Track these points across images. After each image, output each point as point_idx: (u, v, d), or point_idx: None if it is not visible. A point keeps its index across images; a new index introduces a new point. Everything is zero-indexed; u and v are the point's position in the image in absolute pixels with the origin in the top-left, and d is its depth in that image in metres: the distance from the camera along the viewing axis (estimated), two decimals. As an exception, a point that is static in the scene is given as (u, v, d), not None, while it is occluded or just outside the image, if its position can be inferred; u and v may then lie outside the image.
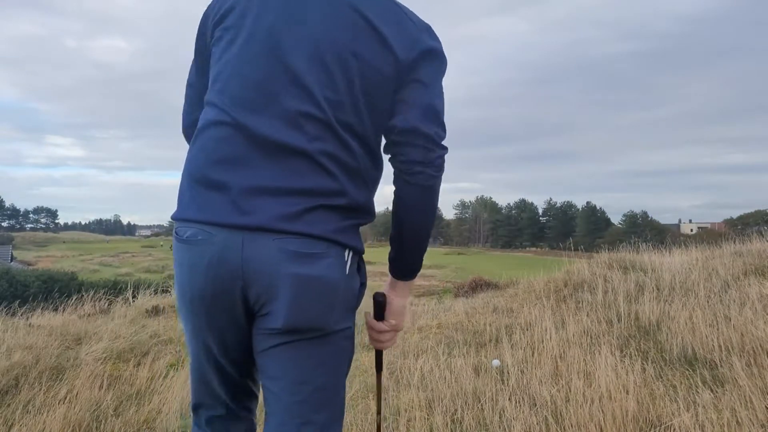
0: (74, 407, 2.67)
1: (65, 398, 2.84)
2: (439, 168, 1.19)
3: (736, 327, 3.43)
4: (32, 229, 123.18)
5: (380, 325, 1.28)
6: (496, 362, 3.43)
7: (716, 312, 3.86)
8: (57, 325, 4.52)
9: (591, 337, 3.74)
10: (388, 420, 2.65)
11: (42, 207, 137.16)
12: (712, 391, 2.67)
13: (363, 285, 1.24)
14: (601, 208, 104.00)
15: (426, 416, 2.66)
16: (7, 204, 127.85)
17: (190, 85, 1.34)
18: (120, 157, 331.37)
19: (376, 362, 1.39)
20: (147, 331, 4.60)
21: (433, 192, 1.19)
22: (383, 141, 1.23)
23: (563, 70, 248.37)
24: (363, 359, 3.84)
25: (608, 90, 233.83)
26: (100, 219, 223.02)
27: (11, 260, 30.23)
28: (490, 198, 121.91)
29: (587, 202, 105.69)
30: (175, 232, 1.17)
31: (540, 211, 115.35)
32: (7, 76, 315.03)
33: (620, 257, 6.32)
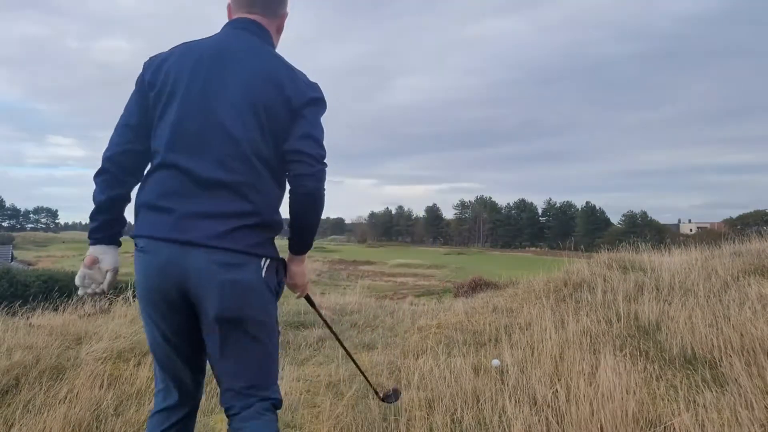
0: (74, 407, 2.67)
1: (65, 398, 2.84)
2: (320, 179, 1.58)
3: (736, 327, 3.43)
4: (33, 229, 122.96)
5: (290, 283, 1.77)
6: (495, 362, 3.43)
7: (716, 312, 3.86)
8: (57, 325, 4.51)
9: (591, 337, 3.74)
10: (389, 420, 2.66)
11: (42, 207, 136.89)
12: (711, 390, 2.68)
13: (280, 283, 1.67)
14: (600, 208, 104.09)
15: (426, 416, 2.67)
16: (8, 204, 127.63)
17: (127, 125, 1.63)
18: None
19: (308, 303, 1.96)
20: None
21: (316, 196, 1.58)
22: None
23: (563, 70, 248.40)
24: (363, 358, 3.85)
25: (608, 90, 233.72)
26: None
27: (12, 260, 30.17)
28: (490, 198, 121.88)
29: (587, 202, 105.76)
30: (135, 244, 1.57)
31: (539, 211, 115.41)
32: (9, 75, 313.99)
33: (620, 257, 6.33)
